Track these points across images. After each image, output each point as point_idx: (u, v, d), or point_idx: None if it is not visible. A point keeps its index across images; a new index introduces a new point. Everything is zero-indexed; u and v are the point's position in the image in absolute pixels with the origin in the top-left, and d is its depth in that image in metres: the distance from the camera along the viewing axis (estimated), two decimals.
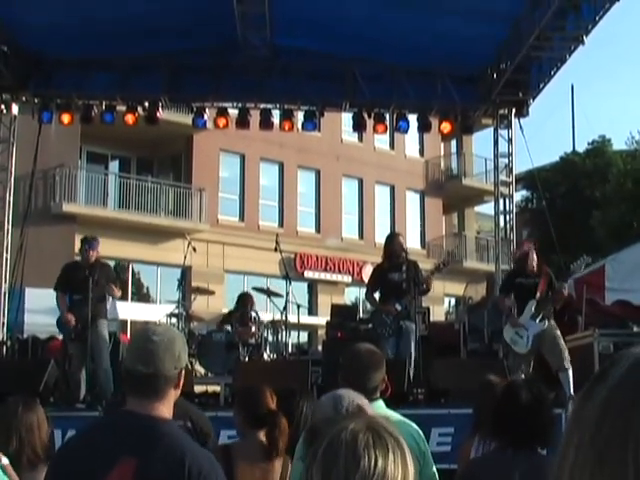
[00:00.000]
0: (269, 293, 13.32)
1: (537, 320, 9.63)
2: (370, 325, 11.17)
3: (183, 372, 2.80)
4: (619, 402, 0.94)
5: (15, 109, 13.05)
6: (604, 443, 0.93)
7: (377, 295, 10.39)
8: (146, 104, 12.90)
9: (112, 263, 15.18)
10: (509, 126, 13.10)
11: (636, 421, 0.92)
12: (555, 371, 9.55)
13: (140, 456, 2.61)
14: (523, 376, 9.24)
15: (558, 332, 9.74)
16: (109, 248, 13.93)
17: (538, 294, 9.66)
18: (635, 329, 11.26)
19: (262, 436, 4.65)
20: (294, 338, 14.33)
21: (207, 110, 13.14)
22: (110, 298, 10.25)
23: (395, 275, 10.14)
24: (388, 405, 4.15)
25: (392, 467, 1.58)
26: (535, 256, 9.91)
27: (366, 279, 11.37)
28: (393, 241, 10.51)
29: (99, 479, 2.60)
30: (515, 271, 10.47)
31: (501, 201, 13.47)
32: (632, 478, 0.90)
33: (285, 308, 12.38)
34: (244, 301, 12.48)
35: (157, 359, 2.73)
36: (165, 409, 2.76)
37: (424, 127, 12.98)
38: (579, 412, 0.97)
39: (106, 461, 2.62)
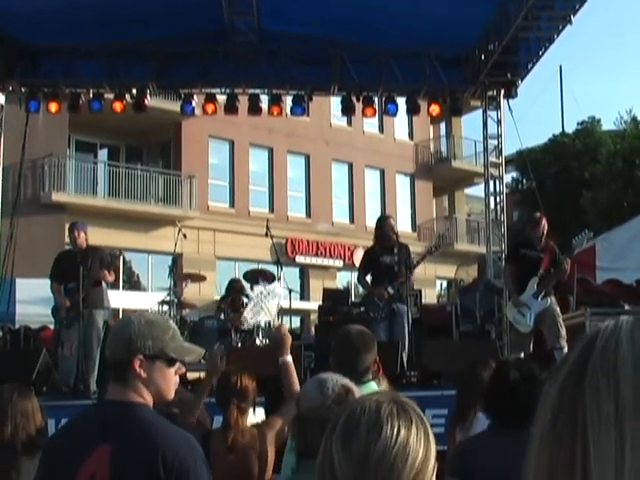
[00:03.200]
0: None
1: (539, 298, 9.57)
2: (362, 308, 11.17)
3: (142, 358, 2.70)
4: (571, 386, 0.92)
5: (2, 99, 12.97)
6: (559, 433, 0.91)
7: (369, 278, 10.38)
8: (134, 91, 12.82)
9: None
10: (498, 107, 13.07)
11: (581, 410, 0.90)
12: (550, 348, 9.55)
13: (114, 443, 2.62)
14: (522, 355, 9.24)
15: (558, 310, 9.69)
16: (99, 237, 13.87)
17: (541, 270, 9.59)
18: (626, 307, 11.31)
19: None
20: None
21: (195, 96, 13.08)
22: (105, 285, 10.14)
23: (387, 258, 10.12)
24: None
25: (414, 440, 1.50)
26: (546, 227, 9.73)
27: (357, 263, 11.36)
28: (384, 224, 10.47)
29: (80, 468, 2.61)
30: (521, 242, 10.32)
31: (491, 183, 13.45)
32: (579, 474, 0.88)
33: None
34: (235, 287, 12.47)
35: (111, 345, 2.83)
36: (135, 394, 2.72)
37: (413, 110, 12.95)
38: (544, 398, 0.95)
39: (86, 450, 2.64)
